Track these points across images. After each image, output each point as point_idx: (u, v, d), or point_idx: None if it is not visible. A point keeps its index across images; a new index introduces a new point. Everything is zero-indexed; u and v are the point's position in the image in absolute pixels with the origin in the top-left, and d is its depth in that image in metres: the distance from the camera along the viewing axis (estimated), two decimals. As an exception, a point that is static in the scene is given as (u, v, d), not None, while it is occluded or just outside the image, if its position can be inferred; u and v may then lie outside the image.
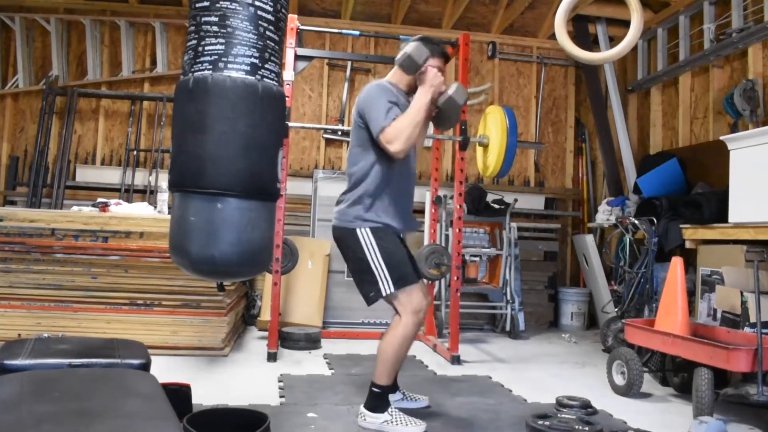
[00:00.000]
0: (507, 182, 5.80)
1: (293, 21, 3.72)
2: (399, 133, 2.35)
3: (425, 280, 4.41)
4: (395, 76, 2.60)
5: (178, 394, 1.89)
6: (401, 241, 2.56)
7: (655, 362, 3.21)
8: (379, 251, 2.39)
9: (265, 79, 1.84)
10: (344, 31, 4.34)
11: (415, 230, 2.56)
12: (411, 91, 2.55)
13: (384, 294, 2.38)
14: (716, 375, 2.61)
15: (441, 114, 2.57)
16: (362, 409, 2.45)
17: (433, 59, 2.52)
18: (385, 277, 2.37)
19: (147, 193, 5.09)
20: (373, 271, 2.38)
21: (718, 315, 3.38)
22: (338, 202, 2.55)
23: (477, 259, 4.96)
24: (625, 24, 3.19)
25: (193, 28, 1.83)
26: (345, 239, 2.47)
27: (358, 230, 2.42)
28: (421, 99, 2.42)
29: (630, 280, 4.03)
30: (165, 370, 2.84)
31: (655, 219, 4.10)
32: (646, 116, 5.53)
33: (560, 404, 2.71)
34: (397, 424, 2.38)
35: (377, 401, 2.43)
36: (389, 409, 2.42)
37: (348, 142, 5.54)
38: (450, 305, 3.90)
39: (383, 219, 2.45)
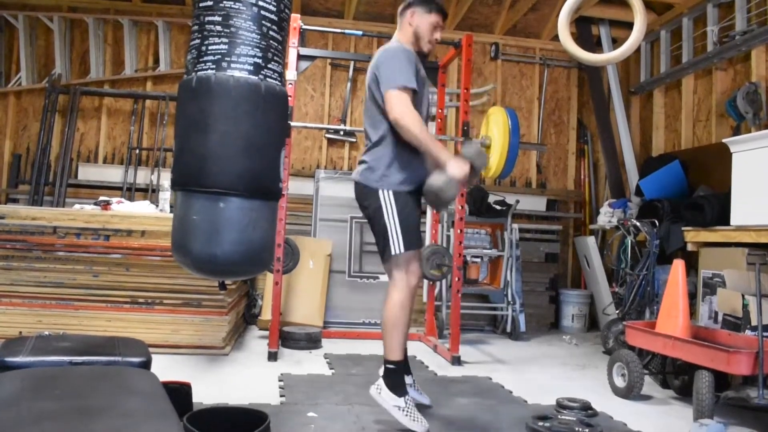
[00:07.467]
0: (509, 183, 5.80)
1: (296, 20, 3.72)
2: (406, 121, 2.37)
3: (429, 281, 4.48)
4: (406, 37, 2.62)
5: (179, 393, 1.90)
6: (416, 201, 2.60)
7: (656, 364, 3.20)
8: (397, 213, 2.47)
9: (268, 79, 1.84)
10: (347, 31, 4.34)
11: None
12: (416, 51, 2.61)
13: (393, 253, 2.45)
14: (717, 378, 2.61)
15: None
16: (380, 381, 2.43)
17: (432, 15, 2.59)
18: (398, 238, 2.45)
19: (149, 192, 5.09)
20: (387, 230, 2.46)
21: (720, 318, 3.37)
22: (360, 162, 2.61)
23: (478, 260, 4.96)
24: (628, 26, 3.19)
25: (196, 27, 1.83)
26: (366, 197, 2.54)
27: (380, 191, 2.49)
28: (438, 155, 2.39)
29: (631, 282, 4.02)
30: (165, 368, 2.83)
31: (656, 221, 4.10)
32: (648, 118, 5.53)
33: (560, 406, 2.72)
34: (406, 415, 2.36)
35: (395, 378, 2.42)
36: (407, 397, 2.41)
37: (350, 143, 5.60)
38: (451, 306, 3.90)
39: (402, 187, 2.50)
